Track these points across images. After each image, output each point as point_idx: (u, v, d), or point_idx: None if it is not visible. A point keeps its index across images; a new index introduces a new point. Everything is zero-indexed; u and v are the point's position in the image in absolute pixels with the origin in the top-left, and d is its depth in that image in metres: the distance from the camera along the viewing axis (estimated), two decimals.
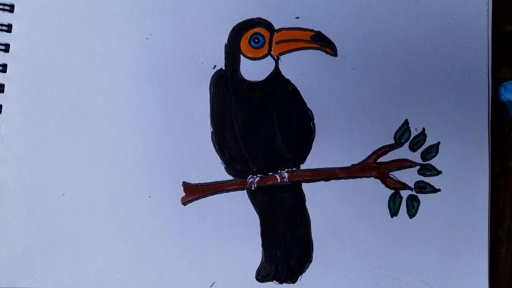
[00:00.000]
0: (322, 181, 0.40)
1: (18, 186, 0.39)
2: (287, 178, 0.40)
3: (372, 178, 0.40)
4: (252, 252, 0.40)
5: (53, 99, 0.39)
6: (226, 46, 0.40)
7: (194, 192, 0.39)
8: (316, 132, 0.40)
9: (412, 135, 0.41)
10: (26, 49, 0.39)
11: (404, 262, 0.40)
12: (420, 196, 0.40)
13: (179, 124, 0.40)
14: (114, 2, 0.40)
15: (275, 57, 0.40)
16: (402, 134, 0.41)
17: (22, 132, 0.39)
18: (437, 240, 0.40)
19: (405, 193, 0.40)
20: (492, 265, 0.41)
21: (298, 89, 0.40)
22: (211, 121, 0.40)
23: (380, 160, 0.40)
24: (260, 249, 0.40)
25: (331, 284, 0.40)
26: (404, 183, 0.40)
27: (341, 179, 0.40)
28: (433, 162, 0.41)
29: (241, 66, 0.40)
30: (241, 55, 0.40)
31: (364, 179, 0.40)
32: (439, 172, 0.40)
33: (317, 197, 0.40)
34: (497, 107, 0.42)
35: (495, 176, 0.42)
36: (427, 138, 0.41)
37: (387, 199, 0.40)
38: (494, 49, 0.42)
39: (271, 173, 0.40)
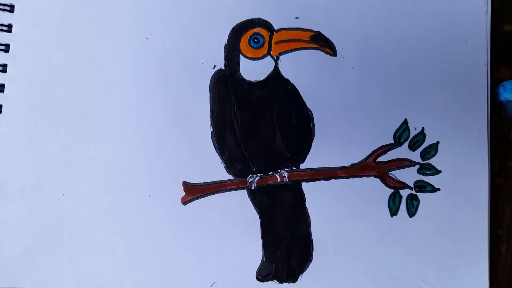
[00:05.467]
0: (322, 181, 0.40)
1: (18, 186, 0.39)
2: (287, 177, 0.40)
3: (372, 177, 0.40)
4: (252, 252, 0.40)
5: (53, 99, 0.39)
6: (226, 46, 0.40)
7: (194, 191, 0.39)
8: (315, 132, 0.40)
9: (412, 135, 0.41)
10: (26, 49, 0.39)
11: (404, 261, 0.40)
12: (419, 195, 0.40)
13: (179, 124, 0.40)
14: (114, 2, 0.40)
15: (275, 57, 0.40)
16: (401, 134, 0.41)
17: (22, 132, 0.39)
18: (437, 239, 0.40)
19: (404, 193, 0.40)
20: (492, 264, 0.41)
21: (298, 89, 0.40)
22: (211, 121, 0.40)
23: (379, 159, 0.40)
24: (260, 248, 0.40)
25: (331, 283, 0.40)
26: (403, 183, 0.40)
27: (341, 178, 0.40)
28: (432, 161, 0.41)
29: (240, 66, 0.40)
30: (240, 55, 0.40)
31: (364, 178, 0.40)
32: (439, 172, 0.41)
33: (317, 196, 0.40)
34: (496, 106, 0.42)
35: (494, 175, 0.42)
36: (426, 138, 0.41)
37: (387, 198, 0.40)
38: (493, 49, 0.42)
39: (271, 173, 0.40)
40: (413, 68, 0.41)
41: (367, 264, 0.40)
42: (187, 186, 0.39)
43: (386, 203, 0.40)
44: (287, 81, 0.40)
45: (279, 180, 0.40)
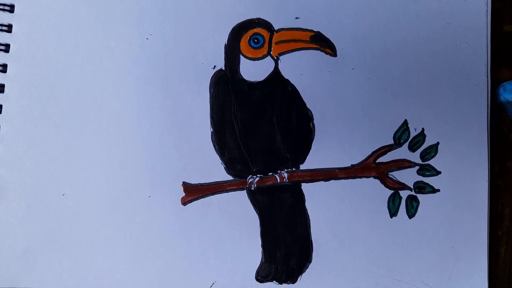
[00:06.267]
0: (322, 181, 0.40)
1: (18, 186, 0.39)
2: (287, 178, 0.40)
3: (372, 178, 0.40)
4: (252, 252, 0.40)
5: (53, 99, 0.39)
6: (226, 46, 0.40)
7: (194, 192, 0.39)
8: (315, 132, 0.40)
9: (412, 136, 0.41)
10: (26, 49, 0.39)
11: (404, 262, 0.40)
12: (419, 196, 0.40)
13: (179, 124, 0.40)
14: (114, 2, 0.40)
15: (275, 58, 0.40)
16: (401, 135, 0.41)
17: (22, 132, 0.39)
18: (436, 240, 0.40)
19: (404, 193, 0.40)
20: (491, 265, 0.41)
21: (298, 89, 0.40)
22: (211, 121, 0.40)
23: (379, 160, 0.40)
24: (260, 249, 0.40)
25: (331, 284, 0.40)
26: (403, 183, 0.40)
27: (340, 179, 0.40)
28: (432, 162, 0.41)
29: (241, 66, 0.40)
30: (241, 56, 0.40)
31: (364, 179, 0.40)
32: (439, 173, 0.41)
33: (316, 197, 0.40)
34: (496, 107, 0.42)
35: (494, 177, 0.42)
36: (426, 139, 0.41)
37: (387, 199, 0.40)
38: (493, 49, 0.42)
39: (271, 173, 0.40)
40: (413, 69, 0.41)
41: (366, 265, 0.40)
42: (187, 186, 0.39)
43: (386, 204, 0.40)
44: (287, 81, 0.40)
45: (279, 181, 0.40)
